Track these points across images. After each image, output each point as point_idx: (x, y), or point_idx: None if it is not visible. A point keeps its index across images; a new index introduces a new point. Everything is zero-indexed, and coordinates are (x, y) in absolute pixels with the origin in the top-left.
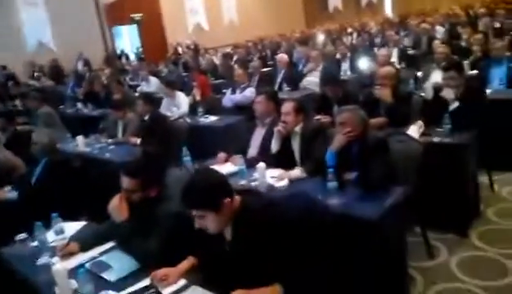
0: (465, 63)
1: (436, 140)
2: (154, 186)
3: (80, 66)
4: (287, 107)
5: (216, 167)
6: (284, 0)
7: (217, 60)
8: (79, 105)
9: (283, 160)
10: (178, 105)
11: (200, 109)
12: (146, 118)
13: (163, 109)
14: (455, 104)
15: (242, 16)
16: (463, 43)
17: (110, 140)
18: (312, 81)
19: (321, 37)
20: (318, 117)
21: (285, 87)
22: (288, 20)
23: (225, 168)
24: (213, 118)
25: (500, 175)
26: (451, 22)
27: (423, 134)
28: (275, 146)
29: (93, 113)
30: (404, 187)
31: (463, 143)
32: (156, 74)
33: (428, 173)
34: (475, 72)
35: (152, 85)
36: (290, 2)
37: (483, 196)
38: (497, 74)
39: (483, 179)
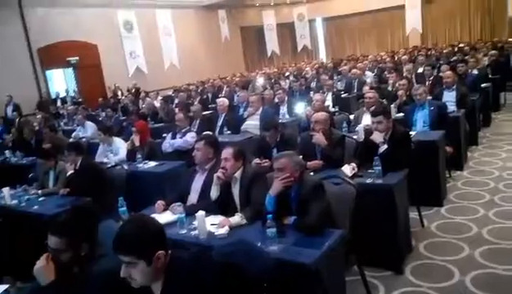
0: (392, 106)
1: (368, 181)
2: (85, 244)
3: (9, 111)
4: (226, 153)
5: (155, 216)
6: (224, 44)
7: (157, 104)
8: (7, 153)
9: (223, 206)
10: (115, 151)
11: (139, 155)
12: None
13: (100, 156)
14: (384, 147)
15: (183, 59)
16: (389, 88)
17: (40, 192)
18: (252, 124)
19: (260, 81)
20: (258, 161)
21: (226, 131)
22: (229, 64)
23: (164, 217)
24: (152, 164)
25: (429, 210)
26: (379, 67)
27: (356, 175)
28: (214, 193)
29: (22, 161)
30: (340, 229)
31: (393, 183)
32: (93, 119)
33: (363, 213)
34: (401, 115)
35: (88, 130)
36: (231, 47)
37: (414, 232)
38: (421, 117)
39: (414, 215)
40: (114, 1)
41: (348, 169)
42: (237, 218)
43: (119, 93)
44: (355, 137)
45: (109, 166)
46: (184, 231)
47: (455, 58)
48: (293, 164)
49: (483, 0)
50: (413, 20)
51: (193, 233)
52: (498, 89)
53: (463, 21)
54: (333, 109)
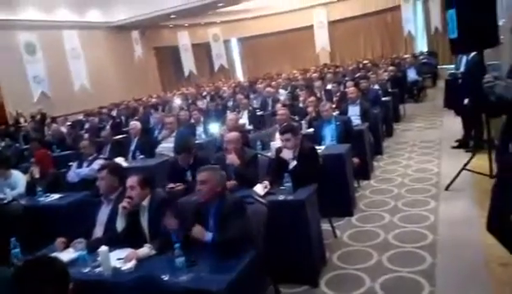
0: (303, 122)
1: (280, 198)
2: None
3: None
4: (131, 181)
5: (56, 255)
6: (139, 65)
7: (65, 130)
8: None
9: (131, 238)
10: (13, 185)
11: (39, 188)
12: None
13: None
14: (294, 163)
15: (95, 82)
16: (301, 105)
17: None
18: (167, 147)
19: (177, 102)
20: (171, 185)
21: (139, 156)
22: (144, 85)
23: (65, 255)
24: (54, 197)
25: (341, 221)
26: (292, 85)
27: (268, 193)
28: (120, 224)
29: None
30: (254, 249)
31: (303, 198)
32: None
33: (277, 231)
34: (311, 130)
35: None
36: (146, 68)
37: (328, 243)
38: (328, 132)
39: (327, 227)
40: (14, 22)
41: (260, 188)
42: (146, 249)
43: (22, 120)
44: (269, 154)
45: (5, 202)
46: (87, 269)
47: (359, 74)
48: (216, 177)
49: (383, 20)
50: (321, 39)
51: (97, 270)
52: (398, 102)
53: (366, 40)
54: (249, 127)
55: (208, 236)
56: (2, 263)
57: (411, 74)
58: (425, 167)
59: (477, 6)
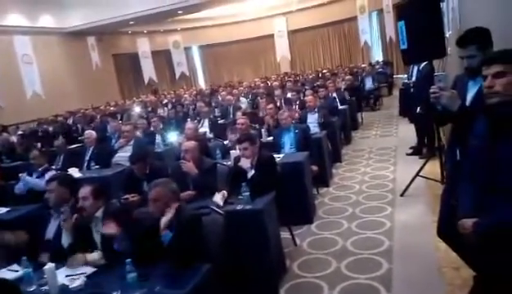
0: (263, 131)
1: (238, 207)
2: None
3: None
4: (84, 192)
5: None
6: (96, 72)
7: (15, 139)
8: None
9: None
10: None
11: None
12: None
13: None
14: (252, 172)
15: (49, 89)
16: (261, 113)
17: None
18: (124, 156)
19: (137, 110)
20: (126, 196)
21: (94, 166)
22: (102, 92)
23: (9, 274)
24: (1, 211)
25: (300, 229)
26: (253, 93)
27: (227, 202)
28: (66, 240)
29: None
30: (208, 263)
31: (261, 207)
32: None
33: (235, 241)
34: (271, 138)
35: None
36: (103, 75)
37: (288, 251)
38: (287, 140)
39: (287, 235)
40: None
41: (218, 197)
42: (95, 255)
43: None
44: (228, 163)
45: None
46: (33, 288)
47: (318, 83)
48: (169, 193)
49: (340, 30)
50: (282, 48)
51: (43, 288)
52: (355, 110)
53: (325, 49)
54: (210, 136)
55: (168, 235)
56: None
57: (368, 83)
58: (382, 174)
59: (424, 19)
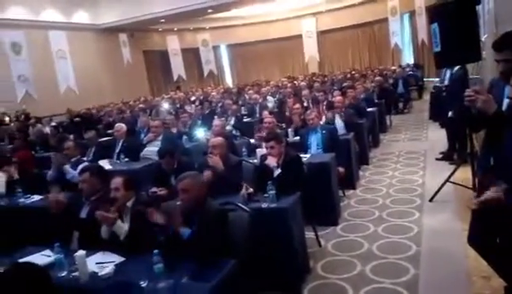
0: (289, 130)
1: (263, 205)
2: None
3: None
4: (116, 182)
5: (30, 260)
6: (127, 68)
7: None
8: None
9: (114, 242)
10: None
11: (19, 189)
12: None
13: None
14: (278, 171)
15: (82, 83)
16: (287, 113)
17: None
18: (152, 151)
19: (165, 106)
20: (154, 189)
21: (124, 159)
22: (132, 88)
23: (41, 259)
24: (35, 198)
25: (325, 230)
26: (280, 92)
27: (253, 200)
28: (104, 228)
29: None
30: (234, 259)
31: (286, 206)
32: None
33: (260, 238)
34: (297, 138)
35: None
36: (134, 71)
37: (312, 252)
38: (314, 140)
39: (311, 235)
40: (0, 21)
41: (244, 194)
42: (120, 223)
43: (7, 119)
44: (254, 161)
45: None
46: (63, 273)
47: (346, 84)
48: (197, 184)
49: (370, 31)
50: (310, 48)
51: (73, 275)
52: (384, 112)
53: (354, 51)
54: (236, 134)
55: (187, 232)
56: None
57: (400, 86)
58: (410, 178)
59: (459, 21)
